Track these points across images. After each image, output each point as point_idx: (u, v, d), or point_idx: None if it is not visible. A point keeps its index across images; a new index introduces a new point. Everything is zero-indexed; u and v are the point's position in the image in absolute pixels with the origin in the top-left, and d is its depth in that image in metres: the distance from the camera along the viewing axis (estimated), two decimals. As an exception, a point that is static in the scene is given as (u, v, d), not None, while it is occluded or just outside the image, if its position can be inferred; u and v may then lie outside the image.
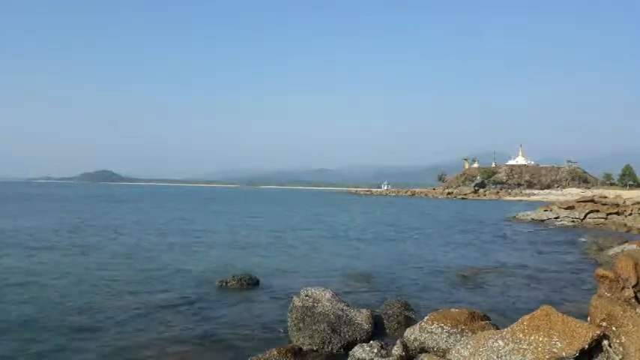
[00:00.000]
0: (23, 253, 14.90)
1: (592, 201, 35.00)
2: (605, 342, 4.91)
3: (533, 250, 18.51)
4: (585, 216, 31.70)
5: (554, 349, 4.77)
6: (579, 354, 4.70)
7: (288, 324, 7.28)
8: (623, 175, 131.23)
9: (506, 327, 5.44)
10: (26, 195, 76.96)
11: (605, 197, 37.76)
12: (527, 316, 5.30)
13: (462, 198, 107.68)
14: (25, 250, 15.69)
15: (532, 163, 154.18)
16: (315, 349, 6.63)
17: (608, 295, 5.60)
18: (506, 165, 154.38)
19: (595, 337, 4.81)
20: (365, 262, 14.98)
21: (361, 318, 7.18)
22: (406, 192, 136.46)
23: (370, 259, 15.69)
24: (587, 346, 4.74)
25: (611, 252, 15.44)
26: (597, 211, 32.24)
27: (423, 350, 6.12)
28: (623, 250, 13.71)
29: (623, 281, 5.55)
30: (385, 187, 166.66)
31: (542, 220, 32.61)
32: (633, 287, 5.48)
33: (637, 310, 5.11)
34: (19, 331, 7.36)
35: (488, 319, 6.75)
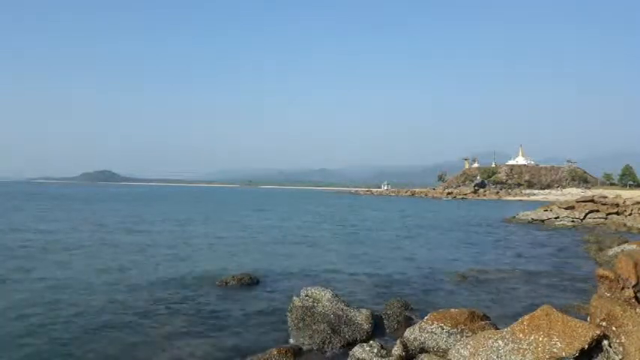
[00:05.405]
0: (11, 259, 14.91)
1: (592, 201, 35.00)
2: (605, 342, 4.91)
3: (533, 250, 18.51)
4: (585, 216, 31.70)
5: (554, 349, 4.77)
6: (579, 354, 4.70)
7: (288, 324, 7.28)
8: (623, 175, 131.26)
9: (506, 327, 5.44)
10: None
11: (605, 197, 37.75)
12: (527, 316, 5.30)
13: (462, 198, 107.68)
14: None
15: (532, 163, 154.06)
16: (315, 348, 6.63)
17: (608, 295, 5.60)
18: (506, 165, 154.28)
19: (595, 337, 4.81)
20: (365, 262, 14.98)
21: (361, 318, 7.18)
22: (406, 192, 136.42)
23: (370, 259, 15.68)
24: (587, 346, 4.74)
25: (611, 252, 15.44)
26: (597, 211, 32.25)
27: (423, 350, 6.12)
28: (623, 250, 13.70)
29: (623, 281, 5.55)
30: (385, 187, 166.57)
31: (542, 221, 32.59)
32: (633, 287, 5.48)
33: (637, 310, 5.11)
34: (14, 332, 7.38)
35: (488, 319, 6.75)
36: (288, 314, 7.40)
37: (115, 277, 11.60)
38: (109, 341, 6.99)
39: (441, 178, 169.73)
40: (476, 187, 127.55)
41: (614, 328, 5.02)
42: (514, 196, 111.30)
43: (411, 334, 6.40)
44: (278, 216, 38.26)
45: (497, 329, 5.87)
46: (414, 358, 5.95)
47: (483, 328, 6.08)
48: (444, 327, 6.21)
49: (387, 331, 7.49)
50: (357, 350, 5.98)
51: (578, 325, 4.93)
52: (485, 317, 6.73)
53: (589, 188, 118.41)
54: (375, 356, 5.80)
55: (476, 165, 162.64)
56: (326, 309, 7.23)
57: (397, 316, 7.78)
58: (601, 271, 5.82)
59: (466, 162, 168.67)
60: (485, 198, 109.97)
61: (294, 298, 7.65)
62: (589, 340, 4.77)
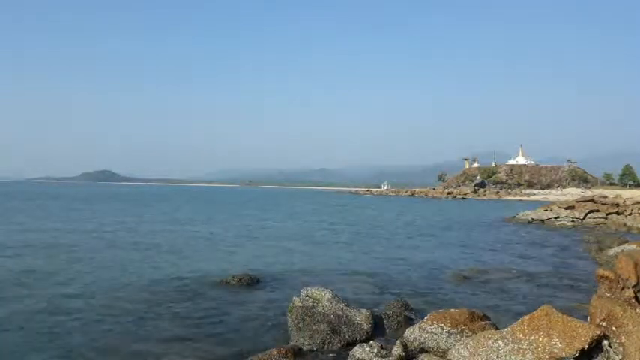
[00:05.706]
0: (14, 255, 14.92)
1: (592, 201, 34.98)
2: (605, 342, 4.91)
3: (533, 250, 18.51)
4: (585, 216, 31.69)
5: (554, 349, 4.77)
6: (579, 354, 4.70)
7: (288, 324, 7.28)
8: (623, 175, 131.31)
9: (506, 327, 5.44)
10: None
11: (605, 197, 37.73)
12: (527, 316, 5.30)
13: (462, 198, 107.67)
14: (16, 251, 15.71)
15: (532, 163, 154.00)
16: (315, 348, 6.63)
17: (608, 295, 5.60)
18: (506, 165, 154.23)
19: (595, 337, 4.81)
20: (365, 262, 14.98)
21: (361, 318, 7.18)
22: (406, 192, 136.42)
23: (370, 259, 15.69)
24: (587, 346, 4.74)
25: (611, 252, 15.43)
26: (597, 211, 32.24)
27: (423, 350, 6.12)
28: (623, 250, 13.70)
29: (623, 281, 5.55)
30: (385, 187, 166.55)
31: (542, 221, 32.59)
32: (633, 287, 5.48)
33: (637, 310, 5.11)
34: (13, 333, 7.38)
35: (488, 319, 6.75)
36: (288, 314, 7.40)
37: (114, 276, 11.60)
38: (109, 341, 6.99)
39: (441, 178, 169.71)
40: (476, 187, 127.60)
41: (614, 328, 5.02)
42: (514, 196, 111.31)
43: (411, 334, 6.41)
44: (278, 216, 38.27)
45: (497, 329, 5.87)
46: (414, 358, 5.95)
47: (483, 328, 6.08)
48: (444, 327, 6.21)
49: (387, 331, 7.49)
50: (357, 350, 5.98)
51: (578, 325, 4.93)
52: (485, 317, 6.73)
53: (589, 188, 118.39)
54: (375, 356, 5.79)
55: (476, 165, 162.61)
56: (326, 309, 7.23)
57: (397, 316, 7.78)
58: (601, 271, 5.82)
59: (466, 162, 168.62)
60: (485, 198, 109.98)
61: (294, 298, 7.65)
62: (589, 340, 4.77)
